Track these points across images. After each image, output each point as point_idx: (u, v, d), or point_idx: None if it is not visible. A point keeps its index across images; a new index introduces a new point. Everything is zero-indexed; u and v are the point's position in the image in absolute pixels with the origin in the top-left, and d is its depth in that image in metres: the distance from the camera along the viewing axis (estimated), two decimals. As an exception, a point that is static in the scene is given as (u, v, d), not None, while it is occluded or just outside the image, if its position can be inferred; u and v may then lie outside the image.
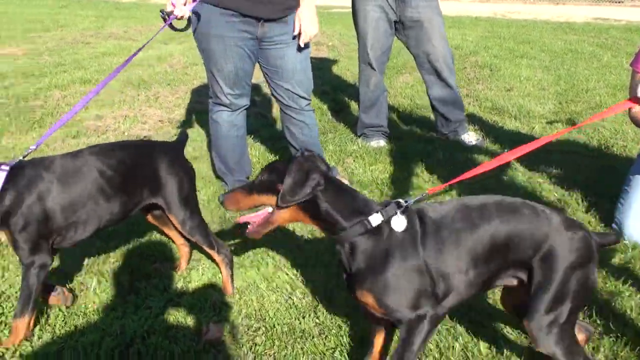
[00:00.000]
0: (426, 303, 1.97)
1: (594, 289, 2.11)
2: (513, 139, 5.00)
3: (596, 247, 2.07)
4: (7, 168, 2.47)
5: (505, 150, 4.69)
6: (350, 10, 4.92)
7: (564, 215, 2.12)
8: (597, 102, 6.18)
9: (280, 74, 3.69)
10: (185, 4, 3.31)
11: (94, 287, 2.92)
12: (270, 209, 2.08)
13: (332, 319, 2.67)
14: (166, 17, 3.26)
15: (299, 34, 3.60)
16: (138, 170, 2.75)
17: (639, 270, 3.01)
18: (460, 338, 2.49)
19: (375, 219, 2.00)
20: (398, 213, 2.01)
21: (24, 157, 2.58)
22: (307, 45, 3.71)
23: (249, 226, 2.16)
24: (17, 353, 2.45)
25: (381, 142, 4.96)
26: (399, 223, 2.00)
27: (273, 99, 4.08)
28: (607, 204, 3.66)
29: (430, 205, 2.12)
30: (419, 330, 1.96)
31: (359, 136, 5.07)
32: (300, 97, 3.78)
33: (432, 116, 5.24)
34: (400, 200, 2.07)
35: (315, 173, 1.99)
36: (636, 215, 3.32)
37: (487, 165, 2.40)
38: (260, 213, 2.14)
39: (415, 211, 2.06)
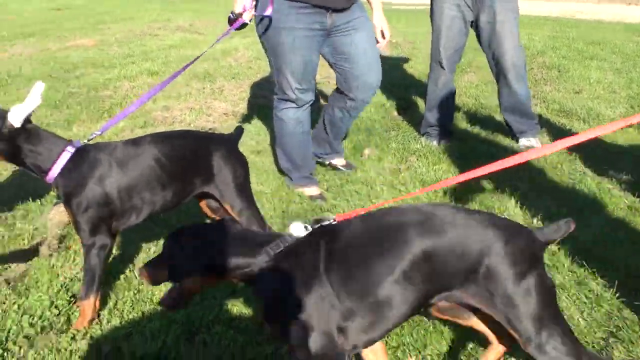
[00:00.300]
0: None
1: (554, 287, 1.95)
2: (584, 142, 4.87)
3: (540, 247, 1.89)
4: (73, 149, 2.56)
5: (575, 153, 4.58)
6: (421, 7, 4.88)
7: (505, 223, 1.92)
8: (671, 107, 5.97)
9: (351, 60, 3.70)
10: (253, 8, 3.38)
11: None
12: None
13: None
14: (235, 18, 3.32)
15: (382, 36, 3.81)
16: (193, 159, 2.82)
17: None
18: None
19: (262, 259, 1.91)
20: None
21: (88, 141, 2.67)
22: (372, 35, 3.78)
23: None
24: (88, 335, 2.53)
25: (443, 142, 4.91)
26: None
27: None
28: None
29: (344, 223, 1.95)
30: None
31: (423, 135, 5.03)
32: (369, 84, 3.78)
33: (497, 117, 5.15)
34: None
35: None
36: None
37: (496, 164, 2.06)
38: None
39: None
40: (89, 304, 2.59)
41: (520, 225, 1.98)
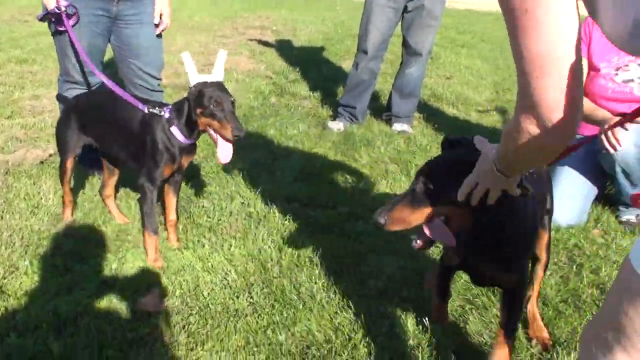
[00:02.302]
0: None
1: None
2: (451, 125, 5.15)
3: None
4: None
5: (443, 136, 4.82)
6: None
7: None
8: (531, 91, 6.37)
9: (134, 52, 3.68)
10: None
11: (25, 268, 2.88)
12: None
13: (265, 298, 2.72)
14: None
15: (160, 18, 3.70)
16: None
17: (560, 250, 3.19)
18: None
19: None
20: None
21: None
22: (158, 26, 3.75)
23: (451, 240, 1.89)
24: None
25: (340, 125, 5.03)
26: None
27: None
28: None
29: None
30: None
31: (337, 116, 5.17)
32: (152, 76, 3.78)
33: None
34: None
35: None
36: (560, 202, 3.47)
37: None
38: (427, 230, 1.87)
39: None
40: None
41: None
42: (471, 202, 1.72)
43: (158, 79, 3.83)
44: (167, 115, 2.91)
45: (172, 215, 3.18)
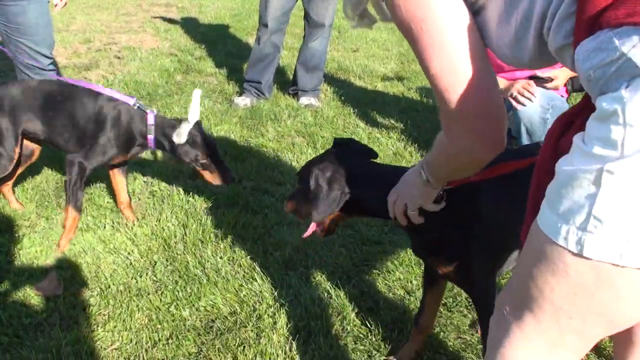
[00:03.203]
0: None
1: None
2: (357, 97, 5.20)
3: None
4: None
5: (349, 108, 4.88)
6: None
7: None
8: (435, 61, 6.51)
9: (22, 31, 3.53)
10: None
11: None
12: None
13: (169, 275, 2.69)
14: None
15: None
16: None
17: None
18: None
19: None
20: None
21: None
22: (46, 2, 3.63)
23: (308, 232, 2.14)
24: None
25: (247, 101, 4.98)
26: None
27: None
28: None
29: None
30: None
31: (243, 91, 5.12)
32: (43, 55, 3.65)
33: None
34: None
35: (337, 181, 1.86)
36: None
37: None
38: (311, 225, 2.08)
39: None
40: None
41: None
42: (400, 222, 1.73)
43: (50, 58, 3.68)
44: (150, 121, 2.93)
45: (124, 196, 3.16)
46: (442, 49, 1.15)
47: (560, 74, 3.39)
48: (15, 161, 3.00)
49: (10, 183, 3.24)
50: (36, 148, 3.20)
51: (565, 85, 3.54)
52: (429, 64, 1.17)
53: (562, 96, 3.54)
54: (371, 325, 2.39)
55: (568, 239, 0.99)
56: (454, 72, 1.16)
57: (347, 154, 1.97)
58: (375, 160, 2.05)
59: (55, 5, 3.69)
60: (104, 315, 2.44)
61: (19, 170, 3.19)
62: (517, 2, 1.10)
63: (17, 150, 2.99)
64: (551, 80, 3.37)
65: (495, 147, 1.26)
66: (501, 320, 1.24)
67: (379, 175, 1.90)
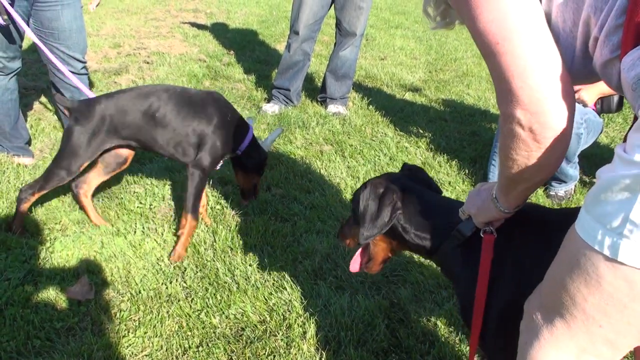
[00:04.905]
0: None
1: None
2: (385, 106, 5.18)
3: None
4: None
5: (377, 116, 4.86)
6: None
7: None
8: (464, 70, 6.49)
9: (56, 35, 3.58)
10: None
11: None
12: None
13: (199, 282, 2.69)
14: None
15: None
16: None
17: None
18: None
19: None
20: None
21: None
22: (79, 6, 3.66)
23: (355, 265, 2.00)
24: None
25: (275, 108, 4.99)
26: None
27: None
28: (469, 167, 3.89)
29: None
30: None
31: (272, 98, 5.12)
32: (76, 59, 3.70)
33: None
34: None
35: (389, 195, 1.72)
36: (495, 176, 3.60)
37: None
38: (358, 251, 2.00)
39: None
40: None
41: None
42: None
43: (83, 62, 3.72)
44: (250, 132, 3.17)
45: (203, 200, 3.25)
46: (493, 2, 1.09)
47: (590, 90, 3.34)
48: (74, 176, 2.98)
49: (89, 193, 3.17)
50: (130, 155, 3.16)
51: (595, 104, 3.49)
52: (479, 21, 1.10)
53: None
54: (401, 337, 2.37)
55: (603, 243, 0.99)
56: (505, 27, 1.08)
57: (407, 177, 1.85)
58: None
59: (90, 3, 3.72)
60: (134, 320, 2.45)
61: (109, 177, 3.19)
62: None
63: (85, 165, 2.94)
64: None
65: (565, 130, 1.12)
66: (531, 324, 1.24)
67: (433, 203, 1.76)
